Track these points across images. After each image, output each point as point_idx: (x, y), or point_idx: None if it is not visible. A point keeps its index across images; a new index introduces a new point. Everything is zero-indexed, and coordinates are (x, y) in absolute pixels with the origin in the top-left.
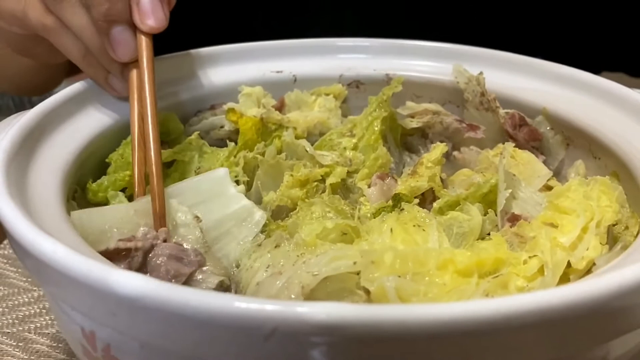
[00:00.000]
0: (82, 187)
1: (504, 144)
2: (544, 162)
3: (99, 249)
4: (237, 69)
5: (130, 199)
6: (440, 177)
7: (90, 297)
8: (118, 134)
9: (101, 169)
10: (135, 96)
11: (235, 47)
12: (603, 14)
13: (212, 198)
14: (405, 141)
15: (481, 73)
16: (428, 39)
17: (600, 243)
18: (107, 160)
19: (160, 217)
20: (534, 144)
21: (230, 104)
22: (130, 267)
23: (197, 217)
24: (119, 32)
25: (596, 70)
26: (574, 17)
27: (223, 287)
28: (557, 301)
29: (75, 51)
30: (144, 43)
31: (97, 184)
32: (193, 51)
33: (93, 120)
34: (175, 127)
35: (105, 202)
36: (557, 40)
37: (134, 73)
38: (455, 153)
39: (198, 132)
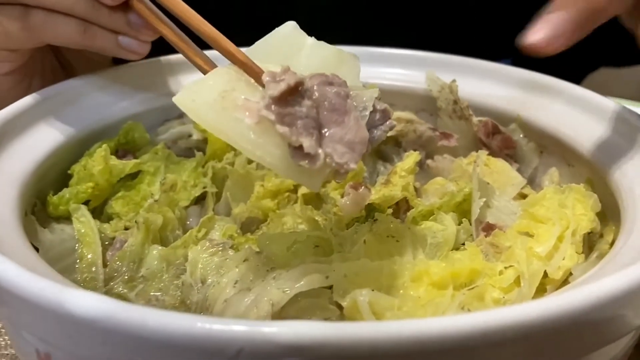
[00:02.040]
0: (42, 201)
1: (477, 152)
2: (518, 170)
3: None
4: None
5: (94, 212)
6: (414, 186)
7: (43, 318)
8: (81, 145)
9: (63, 181)
10: (158, 23)
11: (206, 53)
12: None
13: (292, 52)
14: (378, 150)
15: (454, 81)
16: (400, 46)
17: (577, 252)
18: (69, 171)
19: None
20: (508, 151)
21: None
22: (309, 115)
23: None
24: None
25: (579, 74)
26: None
27: None
28: (536, 315)
29: (74, 31)
30: None
31: (58, 196)
32: (162, 58)
33: (54, 131)
34: (141, 136)
35: (66, 216)
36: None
37: (139, 5)
38: (428, 161)
39: (164, 141)
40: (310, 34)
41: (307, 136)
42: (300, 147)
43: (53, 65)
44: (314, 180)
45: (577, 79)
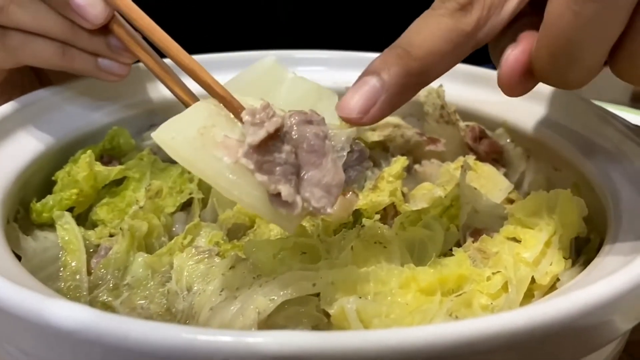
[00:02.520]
0: (25, 208)
1: (464, 157)
2: (505, 175)
3: None
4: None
5: (78, 219)
6: (402, 191)
7: (24, 330)
8: (65, 151)
9: (46, 187)
10: (138, 50)
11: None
12: None
13: (272, 86)
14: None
15: (441, 86)
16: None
17: (564, 257)
18: (53, 178)
19: (238, 108)
20: (495, 156)
21: None
22: (287, 161)
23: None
24: None
25: None
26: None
27: None
28: (523, 323)
29: (52, 53)
30: None
31: (41, 203)
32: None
33: (38, 137)
34: (126, 142)
35: (50, 223)
36: None
37: (119, 30)
38: (416, 166)
39: (150, 147)
40: (293, 40)
41: (286, 183)
42: (279, 194)
43: (32, 82)
44: (291, 224)
45: None
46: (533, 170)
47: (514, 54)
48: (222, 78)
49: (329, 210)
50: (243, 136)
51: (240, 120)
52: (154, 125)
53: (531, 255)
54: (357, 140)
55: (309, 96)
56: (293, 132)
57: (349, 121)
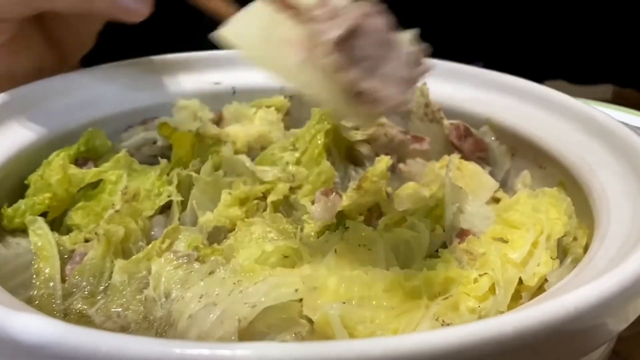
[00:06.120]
0: None
1: (449, 155)
2: (490, 173)
3: None
4: (173, 81)
5: (53, 224)
6: (386, 191)
7: None
8: (38, 153)
9: (19, 192)
10: None
11: (170, 57)
12: (542, 24)
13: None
14: (350, 154)
15: (425, 84)
16: None
17: (551, 257)
18: (25, 182)
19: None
20: (480, 154)
21: (163, 118)
22: (366, 57)
23: None
24: None
25: (538, 79)
26: (515, 26)
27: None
28: (512, 329)
29: None
30: None
31: (13, 208)
32: (123, 62)
33: (9, 138)
34: (102, 144)
35: (22, 229)
36: (498, 49)
37: None
38: (400, 165)
39: (127, 148)
40: None
41: (368, 79)
42: (361, 93)
43: (40, 43)
44: (370, 119)
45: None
46: (518, 169)
47: None
48: (202, 77)
49: (405, 103)
50: (321, 44)
51: (297, 17)
52: (131, 127)
53: (519, 255)
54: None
55: None
56: (364, 27)
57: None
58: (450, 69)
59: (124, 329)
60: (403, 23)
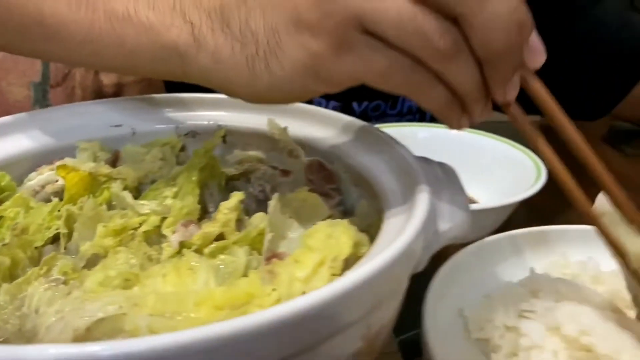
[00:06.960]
0: None
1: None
2: (340, 201)
3: None
4: (80, 125)
5: None
6: (241, 220)
7: None
8: None
9: None
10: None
11: (77, 105)
12: None
13: None
14: (229, 185)
15: (286, 127)
16: None
17: (334, 274)
18: None
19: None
20: (331, 186)
21: (65, 160)
22: None
23: None
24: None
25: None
26: None
27: None
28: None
29: (438, 101)
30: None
31: None
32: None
33: None
34: (7, 185)
35: None
36: None
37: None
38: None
39: (33, 187)
40: None
41: None
42: None
43: None
44: None
45: None
46: (361, 196)
47: None
48: (105, 121)
49: None
50: None
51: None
52: (38, 167)
53: (304, 274)
54: None
55: None
56: None
57: None
58: (308, 111)
59: (6, 340)
60: None
